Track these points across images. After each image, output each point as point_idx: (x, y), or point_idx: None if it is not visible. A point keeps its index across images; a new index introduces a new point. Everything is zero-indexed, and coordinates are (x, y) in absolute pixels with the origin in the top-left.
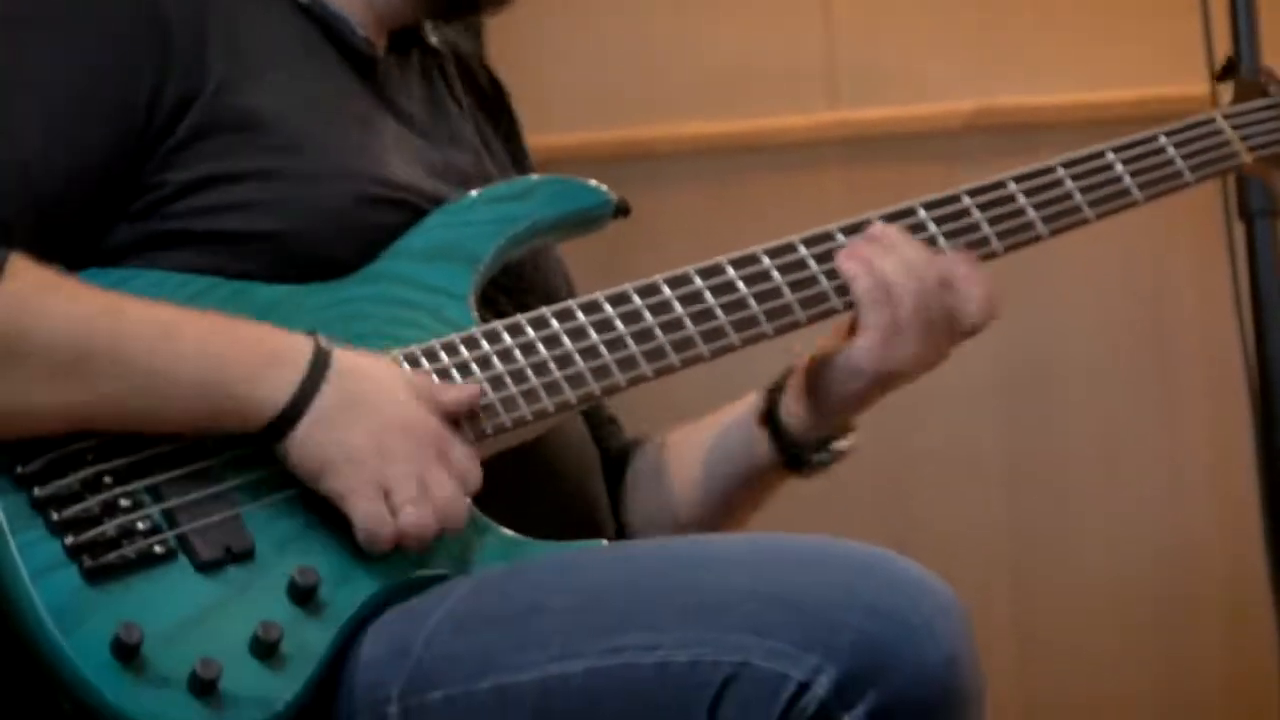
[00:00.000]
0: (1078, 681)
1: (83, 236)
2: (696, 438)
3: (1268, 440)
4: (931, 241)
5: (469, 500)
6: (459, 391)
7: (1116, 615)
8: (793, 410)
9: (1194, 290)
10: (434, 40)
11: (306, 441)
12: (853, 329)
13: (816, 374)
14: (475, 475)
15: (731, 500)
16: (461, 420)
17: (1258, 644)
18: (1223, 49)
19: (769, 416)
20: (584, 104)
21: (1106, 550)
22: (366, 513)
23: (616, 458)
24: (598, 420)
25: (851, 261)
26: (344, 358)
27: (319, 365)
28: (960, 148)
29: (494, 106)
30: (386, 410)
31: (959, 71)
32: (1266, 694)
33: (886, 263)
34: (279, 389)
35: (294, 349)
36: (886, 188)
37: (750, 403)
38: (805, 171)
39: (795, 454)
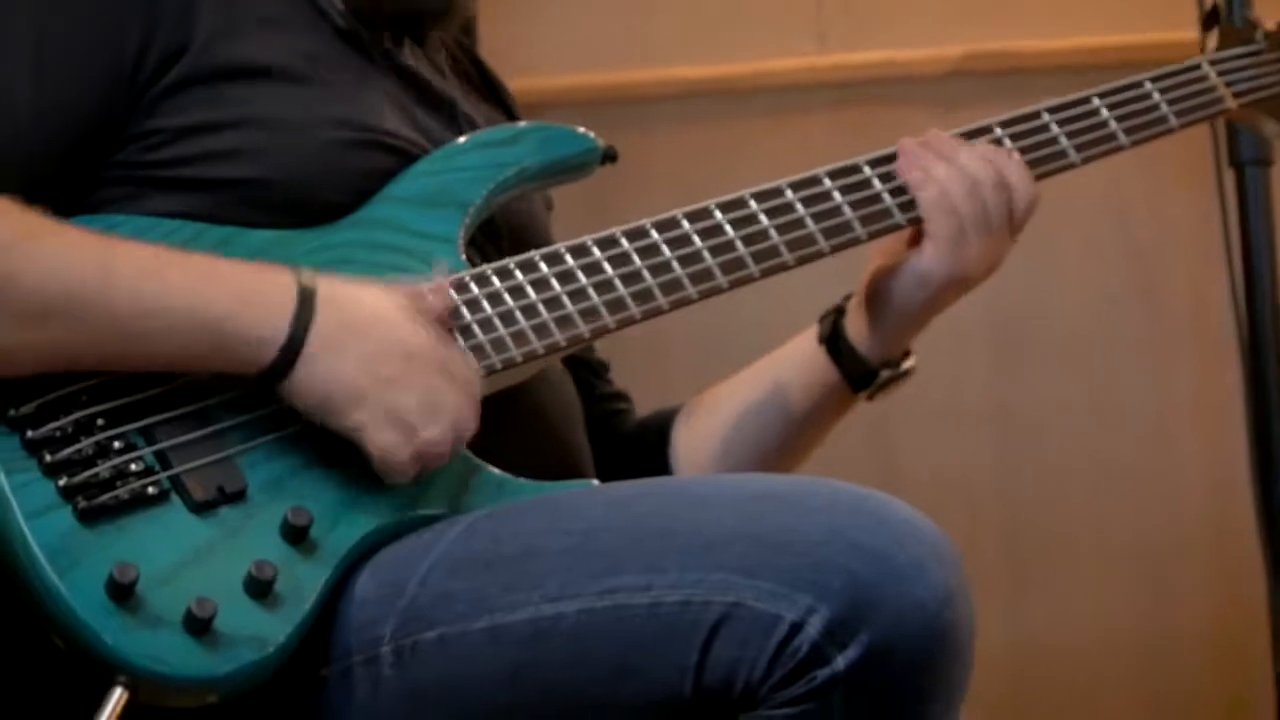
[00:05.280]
0: (1066, 620)
1: (70, 187)
2: (741, 390)
3: (1258, 387)
4: None
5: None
6: (440, 293)
7: (1102, 558)
8: (859, 329)
9: (1186, 239)
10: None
11: (308, 378)
12: (914, 240)
13: (880, 289)
14: (477, 382)
15: (794, 440)
16: (454, 329)
17: (1243, 579)
18: None
19: (833, 340)
20: (572, 47)
21: (1092, 498)
22: (383, 443)
23: (646, 425)
24: (590, 369)
25: (914, 171)
26: (328, 286)
27: (307, 299)
28: (948, 92)
29: (490, 95)
30: (380, 331)
31: (947, 15)
32: (1254, 624)
33: (946, 169)
34: (272, 329)
35: (279, 285)
36: (874, 131)
37: (798, 344)
38: (792, 115)
39: (864, 374)
